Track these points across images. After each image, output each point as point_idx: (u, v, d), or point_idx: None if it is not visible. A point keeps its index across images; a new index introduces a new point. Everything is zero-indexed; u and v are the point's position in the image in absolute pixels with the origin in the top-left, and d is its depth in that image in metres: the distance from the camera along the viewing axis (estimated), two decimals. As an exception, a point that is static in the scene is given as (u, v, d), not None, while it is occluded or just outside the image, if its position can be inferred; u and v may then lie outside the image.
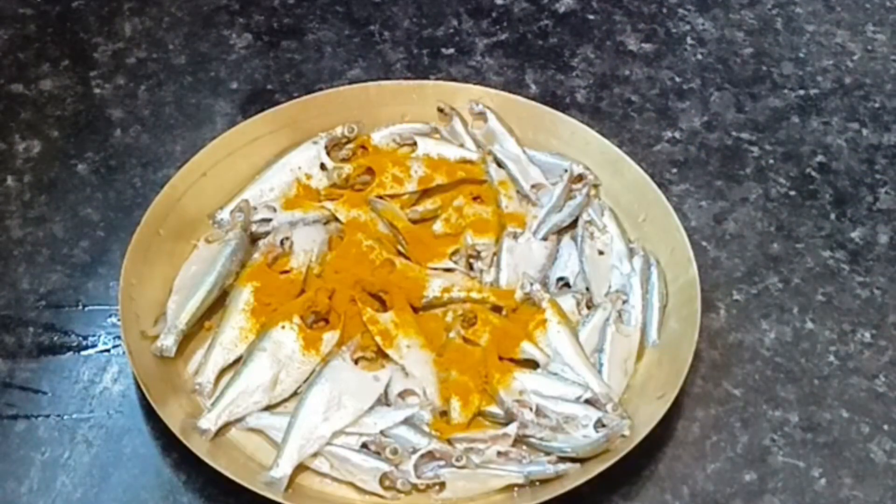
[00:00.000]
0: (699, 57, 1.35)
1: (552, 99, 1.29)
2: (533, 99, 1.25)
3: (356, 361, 1.03)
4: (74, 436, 1.02)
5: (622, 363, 1.05)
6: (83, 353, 1.07)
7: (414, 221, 1.15)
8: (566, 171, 1.17)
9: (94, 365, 1.06)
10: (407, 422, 1.00)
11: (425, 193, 1.17)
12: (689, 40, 1.37)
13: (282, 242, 1.10)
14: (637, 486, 1.00)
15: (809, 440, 1.03)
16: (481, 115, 1.22)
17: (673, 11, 1.40)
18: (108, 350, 1.07)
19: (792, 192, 1.22)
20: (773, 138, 1.27)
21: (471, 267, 1.12)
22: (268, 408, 1.02)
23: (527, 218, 1.15)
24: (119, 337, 1.05)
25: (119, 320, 1.04)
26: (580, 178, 1.17)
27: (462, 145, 1.20)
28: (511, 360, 1.05)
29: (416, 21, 1.38)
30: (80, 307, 1.10)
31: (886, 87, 1.33)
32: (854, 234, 1.18)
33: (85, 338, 1.08)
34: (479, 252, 1.12)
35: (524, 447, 0.99)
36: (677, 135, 1.27)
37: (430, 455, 0.97)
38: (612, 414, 1.00)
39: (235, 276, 1.08)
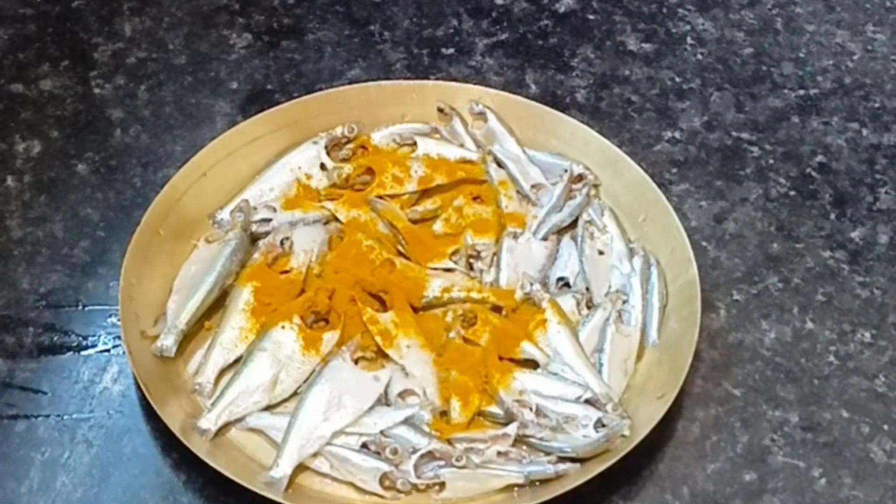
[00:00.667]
0: (699, 57, 1.35)
1: (552, 99, 1.29)
2: (533, 99, 1.25)
3: (356, 361, 1.03)
4: (74, 436, 1.02)
5: (622, 363, 1.05)
6: (83, 353, 1.07)
7: (414, 221, 1.15)
8: (566, 171, 1.17)
9: (94, 365, 1.06)
10: (407, 422, 0.99)
11: (425, 193, 1.17)
12: (689, 40, 1.37)
13: (282, 242, 1.10)
14: (637, 486, 1.00)
15: (809, 440, 1.03)
16: (481, 115, 1.22)
17: (673, 11, 1.40)
18: (108, 350, 1.07)
19: (792, 192, 1.22)
20: (773, 138, 1.27)
21: (471, 267, 1.12)
22: (268, 408, 1.01)
23: (527, 218, 1.15)
24: (119, 337, 1.05)
25: (119, 320, 1.04)
26: (580, 178, 1.17)
27: (462, 145, 1.20)
28: (511, 360, 1.05)
29: (416, 21, 1.38)
30: (80, 307, 1.10)
31: (886, 87, 1.33)
32: (854, 234, 1.18)
33: (85, 338, 1.08)
34: (479, 252, 1.12)
35: (524, 447, 0.99)
36: (677, 135, 1.27)
37: (430, 455, 0.97)
38: (612, 414, 1.00)
39: (235, 276, 1.08)
